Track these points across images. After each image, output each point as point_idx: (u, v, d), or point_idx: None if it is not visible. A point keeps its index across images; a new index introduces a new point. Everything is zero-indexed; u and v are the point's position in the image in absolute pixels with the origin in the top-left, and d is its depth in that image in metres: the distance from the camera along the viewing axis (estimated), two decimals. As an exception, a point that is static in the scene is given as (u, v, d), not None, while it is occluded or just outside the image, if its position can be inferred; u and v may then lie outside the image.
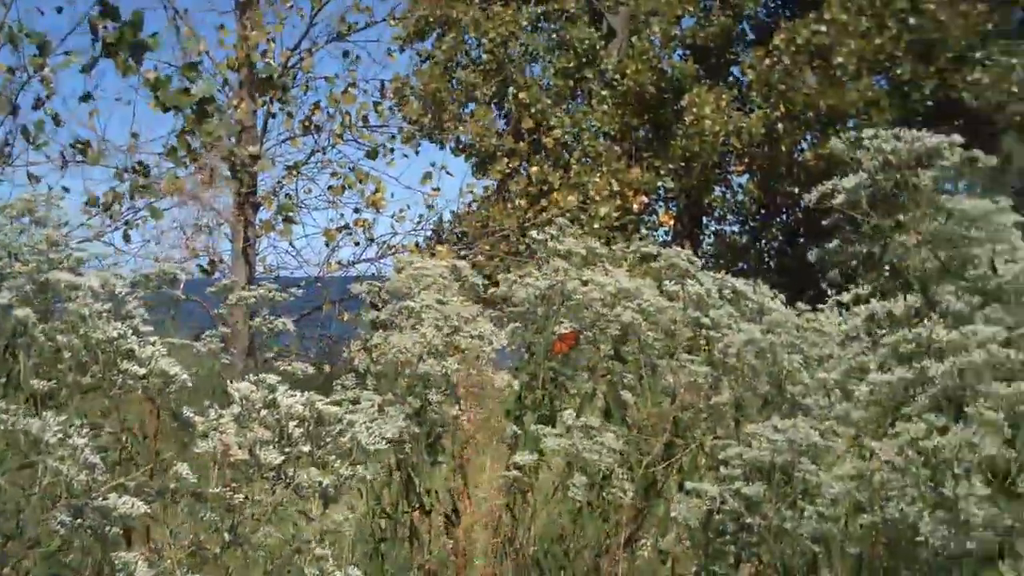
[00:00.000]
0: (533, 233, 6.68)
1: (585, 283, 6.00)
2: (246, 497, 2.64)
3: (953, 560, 2.96)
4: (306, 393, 2.70)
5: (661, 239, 22.93)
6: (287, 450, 2.63)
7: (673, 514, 4.50)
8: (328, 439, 2.68)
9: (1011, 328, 3.59)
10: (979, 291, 3.76)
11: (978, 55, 20.27)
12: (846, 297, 4.18)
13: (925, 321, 3.12)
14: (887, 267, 4.14)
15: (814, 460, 4.17)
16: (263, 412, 2.65)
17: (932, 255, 3.86)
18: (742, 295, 6.28)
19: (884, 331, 3.60)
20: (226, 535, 2.65)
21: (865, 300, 3.95)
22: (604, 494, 5.16)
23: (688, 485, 4.53)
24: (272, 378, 2.72)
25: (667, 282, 6.16)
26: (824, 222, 4.36)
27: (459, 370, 5.18)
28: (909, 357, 3.07)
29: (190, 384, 2.95)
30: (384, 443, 2.72)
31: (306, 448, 2.67)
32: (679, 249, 6.97)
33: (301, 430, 2.65)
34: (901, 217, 3.92)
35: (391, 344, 5.19)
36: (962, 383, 2.98)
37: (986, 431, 2.85)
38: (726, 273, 6.40)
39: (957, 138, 4.05)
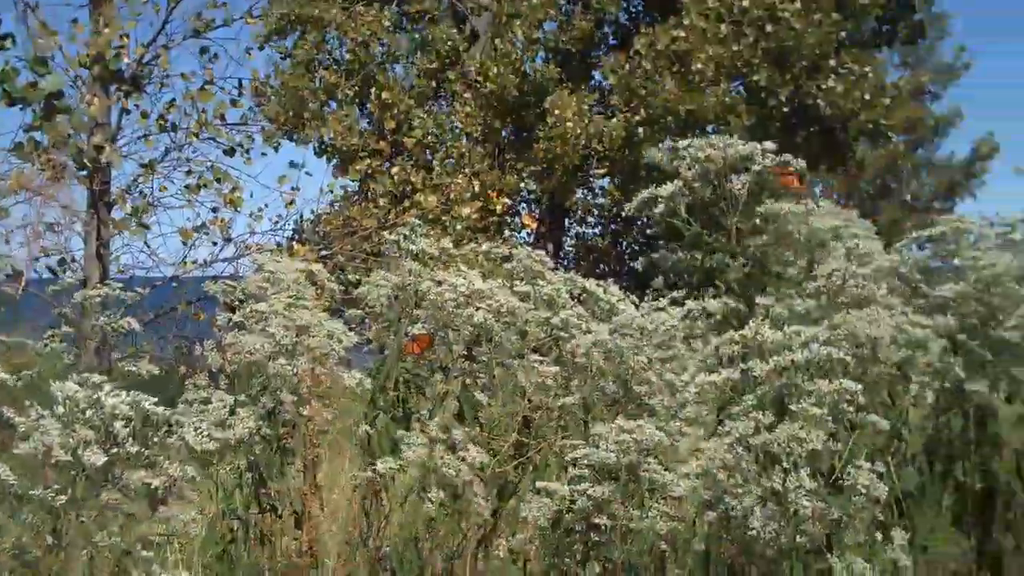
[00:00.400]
0: (386, 234, 6.66)
1: (439, 284, 6.00)
2: (70, 499, 2.57)
3: (784, 553, 3.03)
4: (132, 393, 2.64)
5: (524, 241, 23.04)
6: (113, 451, 2.57)
7: (523, 514, 4.51)
8: (155, 440, 2.62)
9: (834, 327, 3.71)
10: (800, 294, 3.87)
11: (832, 63, 20.78)
12: (663, 302, 4.26)
13: (750, 323, 3.18)
14: (708, 271, 4.23)
15: (660, 459, 4.24)
16: (88, 412, 2.58)
17: (751, 259, 3.95)
18: (593, 296, 6.35)
19: (713, 332, 3.67)
20: (49, 538, 2.58)
21: (681, 303, 4.03)
22: (458, 502, 5.16)
23: (538, 485, 4.55)
24: (97, 378, 2.66)
25: (519, 283, 6.19)
26: (649, 231, 4.44)
27: (309, 369, 5.13)
28: (737, 357, 3.13)
29: (12, 384, 2.86)
30: (213, 443, 2.67)
31: (133, 449, 2.61)
32: (531, 250, 7.02)
33: (128, 430, 2.58)
34: (723, 222, 4.01)
35: (242, 344, 5.14)
36: (787, 381, 3.05)
37: (811, 427, 2.93)
38: (586, 275, 6.46)
39: (770, 145, 4.14)
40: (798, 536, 2.99)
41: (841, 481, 3.01)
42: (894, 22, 23.08)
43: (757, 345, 3.08)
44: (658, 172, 4.51)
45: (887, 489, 3.03)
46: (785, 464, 2.91)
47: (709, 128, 20.60)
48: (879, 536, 3.15)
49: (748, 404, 3.02)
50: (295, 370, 5.08)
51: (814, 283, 4.26)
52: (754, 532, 3.03)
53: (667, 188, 4.12)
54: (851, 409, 3.08)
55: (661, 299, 4.61)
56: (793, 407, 2.97)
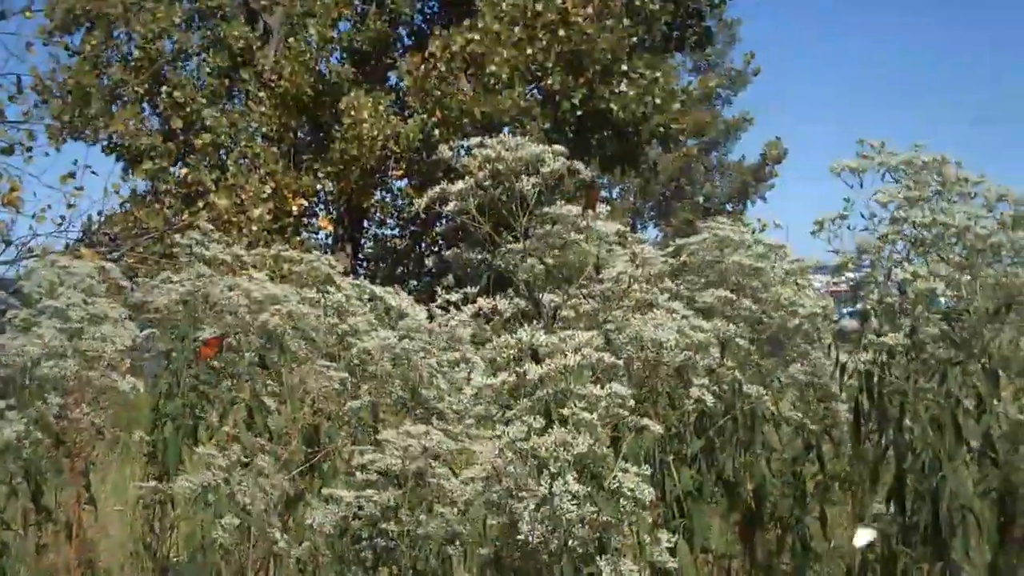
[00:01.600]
0: (178, 237, 6.53)
1: (231, 288, 5.90)
2: None
3: (555, 557, 3.06)
4: None
5: (321, 243, 22.82)
6: None
7: (308, 521, 4.46)
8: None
9: (619, 330, 3.78)
10: (587, 296, 3.94)
11: (624, 68, 21.19)
12: (454, 296, 4.29)
13: (525, 327, 3.22)
14: (496, 271, 4.26)
15: (452, 464, 4.25)
16: None
17: (538, 260, 4.00)
18: (383, 301, 6.35)
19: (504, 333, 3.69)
20: None
21: (473, 301, 4.05)
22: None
23: (324, 492, 4.50)
24: None
25: (308, 289, 6.14)
26: (438, 229, 4.46)
27: (79, 373, 4.97)
28: (512, 360, 3.16)
29: None
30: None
31: None
32: (321, 255, 6.97)
33: None
34: (513, 223, 4.03)
35: (10, 347, 4.96)
36: (562, 385, 3.09)
37: (581, 431, 2.97)
38: (386, 277, 6.46)
39: (560, 148, 4.19)
40: (570, 540, 3.03)
41: (610, 485, 3.06)
42: (684, 28, 23.67)
43: (532, 349, 3.11)
44: (455, 173, 4.52)
45: (652, 492, 3.09)
46: (552, 468, 2.94)
47: (505, 130, 20.77)
48: (655, 537, 3.21)
49: (522, 408, 3.05)
50: (63, 373, 4.92)
51: (600, 285, 4.33)
52: (522, 537, 3.06)
53: (457, 185, 4.12)
54: (625, 413, 3.14)
55: (450, 297, 4.65)
56: (564, 411, 3.01)
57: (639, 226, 42.69)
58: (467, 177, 4.21)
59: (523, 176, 3.96)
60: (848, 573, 4.67)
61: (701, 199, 41.80)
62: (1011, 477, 4.15)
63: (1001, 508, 4.28)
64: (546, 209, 4.07)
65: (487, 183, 3.99)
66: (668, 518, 4.13)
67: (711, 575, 4.97)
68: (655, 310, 4.10)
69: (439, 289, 5.09)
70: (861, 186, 4.44)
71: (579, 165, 4.15)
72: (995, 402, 3.83)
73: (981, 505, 3.94)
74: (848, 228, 4.51)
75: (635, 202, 43.11)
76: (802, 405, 5.12)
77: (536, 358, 3.16)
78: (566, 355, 3.08)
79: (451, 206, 4.12)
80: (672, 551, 3.33)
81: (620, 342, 3.87)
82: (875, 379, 4.08)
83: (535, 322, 3.55)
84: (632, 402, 3.21)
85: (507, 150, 4.01)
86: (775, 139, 40.02)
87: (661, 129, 21.79)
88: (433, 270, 23.11)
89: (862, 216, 4.48)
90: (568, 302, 4.11)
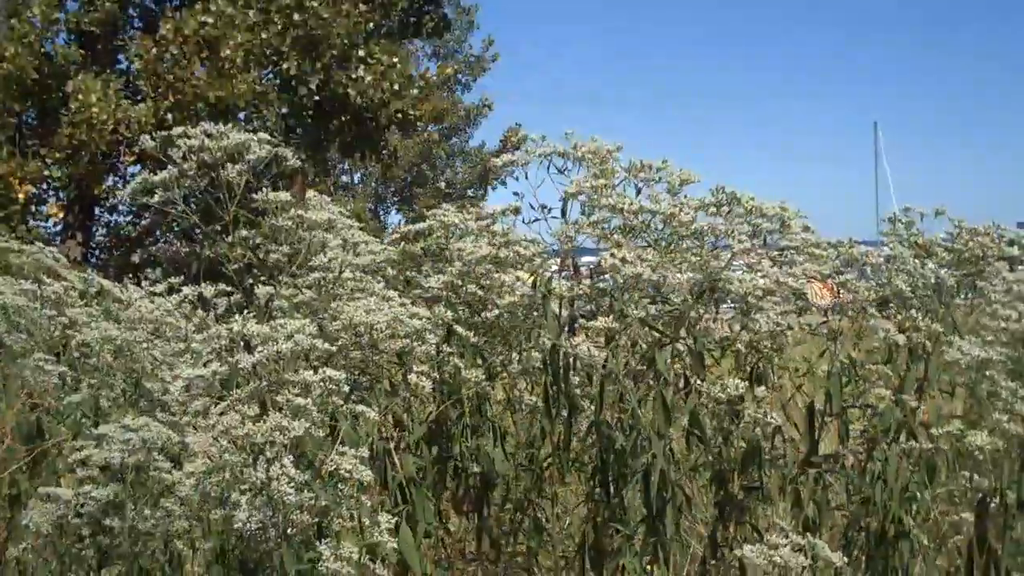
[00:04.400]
0: None
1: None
2: None
3: (277, 543, 3.06)
4: None
5: (50, 231, 21.93)
6: None
7: (24, 521, 4.30)
8: None
9: (334, 317, 3.80)
10: (299, 285, 3.93)
11: (361, 53, 21.14)
12: (160, 287, 4.22)
13: (237, 316, 3.20)
14: (210, 261, 4.21)
15: (175, 457, 4.17)
16: None
17: (248, 249, 3.97)
18: (109, 293, 6.17)
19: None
20: None
21: (177, 290, 4.00)
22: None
23: (41, 491, 4.36)
24: None
25: (24, 281, 5.90)
26: (144, 220, 4.37)
27: None
28: (223, 350, 3.13)
29: None
30: None
31: None
32: (43, 245, 6.72)
33: None
34: (220, 212, 3.98)
35: None
36: (275, 376, 3.09)
37: (298, 416, 2.98)
38: (118, 265, 6.29)
39: (264, 136, 4.15)
40: (289, 527, 3.03)
41: (327, 469, 3.08)
42: (421, 14, 23.78)
43: (244, 339, 3.09)
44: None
45: (370, 474, 3.12)
46: (269, 454, 2.94)
47: (241, 115, 20.45)
48: (374, 520, 3.24)
49: (236, 397, 3.03)
50: None
51: (314, 274, 4.32)
52: (240, 524, 3.05)
53: (160, 175, 4.01)
54: (339, 400, 3.16)
55: (157, 286, 4.57)
56: (279, 398, 3.01)
57: (382, 212, 42.72)
58: (170, 167, 4.11)
59: (228, 165, 3.90)
60: (580, 549, 4.79)
61: (443, 185, 42.09)
62: (722, 453, 4.38)
63: (718, 484, 4.51)
64: (254, 196, 4.02)
65: (191, 172, 3.91)
66: (393, 504, 4.16)
67: (441, 560, 5.02)
68: (370, 297, 4.12)
69: (144, 280, 5.00)
70: (526, 177, 4.70)
71: (287, 152, 4.12)
72: (700, 381, 4.02)
73: (692, 482, 4.14)
74: (523, 222, 4.72)
75: (377, 188, 43.09)
76: (541, 389, 5.22)
77: (249, 348, 3.15)
78: (278, 343, 3.08)
79: (156, 197, 4.03)
80: (396, 531, 3.37)
81: (334, 329, 3.88)
82: (565, 363, 4.23)
83: (246, 312, 3.53)
84: (347, 388, 3.23)
85: (210, 138, 3.94)
86: (515, 125, 40.64)
87: (399, 115, 21.85)
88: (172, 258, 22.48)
89: (531, 207, 4.71)
90: (281, 291, 4.09)
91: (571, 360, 4.31)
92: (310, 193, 4.29)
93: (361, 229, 4.59)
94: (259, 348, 3.05)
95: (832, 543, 5.39)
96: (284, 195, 3.98)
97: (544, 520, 5.09)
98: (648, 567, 4.26)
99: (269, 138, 4.07)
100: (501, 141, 40.91)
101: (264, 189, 3.97)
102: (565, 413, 4.43)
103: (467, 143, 43.29)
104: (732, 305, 4.30)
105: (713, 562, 4.34)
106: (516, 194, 4.77)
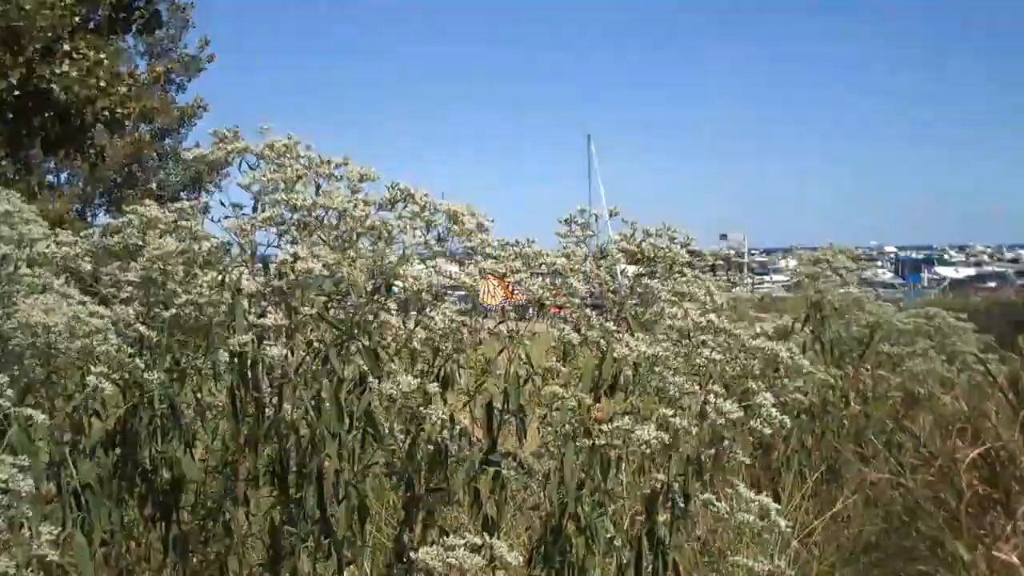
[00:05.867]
0: None
1: None
2: None
3: None
4: None
5: None
6: None
7: None
8: None
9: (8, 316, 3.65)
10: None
11: (67, 47, 20.29)
12: None
13: None
14: None
15: None
16: None
17: None
18: None
19: None
20: None
21: None
22: None
23: None
24: None
25: None
26: None
27: None
28: None
29: None
30: None
31: None
32: None
33: None
34: None
35: None
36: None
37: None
38: None
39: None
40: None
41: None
42: (130, 10, 23.00)
43: None
44: None
45: (31, 484, 3.00)
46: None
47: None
48: (36, 531, 3.12)
49: None
50: None
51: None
52: None
53: None
54: (7, 403, 3.03)
55: None
56: None
57: (89, 214, 41.09)
58: None
59: None
60: (270, 552, 4.73)
61: (155, 186, 40.80)
62: (409, 454, 4.43)
63: (405, 486, 4.55)
64: None
65: None
66: (67, 511, 4.00)
67: (123, 570, 4.88)
68: (48, 294, 3.97)
69: None
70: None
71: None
72: (375, 380, 4.04)
73: (366, 482, 4.15)
74: (212, 220, 4.69)
75: (85, 188, 41.41)
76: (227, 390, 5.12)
77: None
78: None
79: None
80: (55, 543, 3.25)
81: (8, 328, 3.72)
82: (249, 362, 4.19)
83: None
84: (10, 391, 3.11)
85: None
86: (231, 128, 39.64)
87: (106, 112, 21.05)
88: None
89: (222, 204, 4.69)
90: None
91: (259, 359, 4.27)
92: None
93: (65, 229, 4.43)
94: None
95: (519, 541, 5.54)
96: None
97: (239, 525, 5.01)
98: (335, 572, 4.26)
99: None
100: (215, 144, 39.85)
101: None
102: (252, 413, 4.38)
103: (181, 144, 42.11)
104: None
105: (400, 565, 4.37)
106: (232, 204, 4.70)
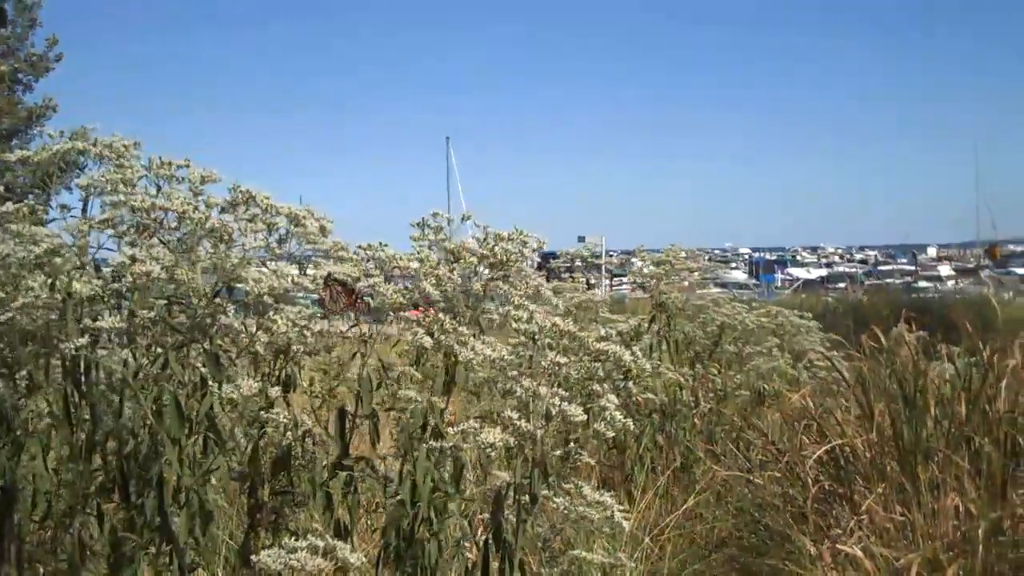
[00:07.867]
0: None
1: None
2: None
3: None
4: None
5: None
6: None
7: None
8: None
9: None
10: None
11: None
12: None
13: None
14: None
15: None
16: None
17: None
18: None
19: None
20: None
21: None
22: None
23: None
24: None
25: None
26: None
27: None
28: None
29: None
30: None
31: None
32: None
33: None
34: None
35: None
36: None
37: None
38: None
39: None
40: None
41: None
42: (-28, 7, 22.35)
43: None
44: None
45: None
46: None
47: None
48: None
49: None
50: None
51: None
52: None
53: None
54: None
55: None
56: None
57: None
58: None
59: None
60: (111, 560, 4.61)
61: (3, 188, 39.64)
62: (251, 458, 4.37)
63: (250, 491, 4.49)
64: None
65: None
66: None
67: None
68: None
69: None
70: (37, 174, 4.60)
71: None
72: (216, 384, 3.97)
73: (207, 488, 4.07)
74: (43, 224, 4.57)
75: (-77, 189, 40.07)
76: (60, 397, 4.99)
77: None
78: None
79: None
80: None
81: None
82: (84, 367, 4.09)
83: None
84: None
85: None
86: (83, 127, 38.69)
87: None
88: None
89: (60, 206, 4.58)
90: None
91: (92, 364, 4.16)
92: None
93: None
94: None
95: (375, 544, 5.50)
96: None
97: (89, 536, 4.89)
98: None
99: None
100: (70, 139, 38.86)
101: None
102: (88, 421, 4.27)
103: (28, 145, 40.99)
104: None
105: (245, 569, 4.31)
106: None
